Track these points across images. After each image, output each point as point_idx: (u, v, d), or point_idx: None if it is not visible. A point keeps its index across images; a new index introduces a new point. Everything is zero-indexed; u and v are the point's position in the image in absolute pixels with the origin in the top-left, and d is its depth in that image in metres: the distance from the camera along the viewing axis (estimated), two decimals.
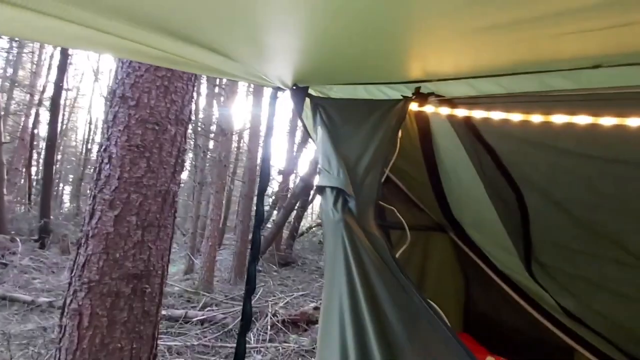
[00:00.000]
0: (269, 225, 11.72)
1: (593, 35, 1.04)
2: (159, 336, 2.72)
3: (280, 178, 12.75)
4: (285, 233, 11.18)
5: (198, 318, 5.44)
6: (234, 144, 14.27)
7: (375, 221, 1.02)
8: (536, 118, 1.32)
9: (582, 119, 1.24)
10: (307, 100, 1.59)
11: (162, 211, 2.46)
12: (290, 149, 12.04)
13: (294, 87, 1.60)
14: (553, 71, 1.25)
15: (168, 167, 2.49)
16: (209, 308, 6.04)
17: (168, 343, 4.55)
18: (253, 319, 5.68)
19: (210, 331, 5.21)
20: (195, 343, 4.69)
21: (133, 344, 2.41)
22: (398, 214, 1.53)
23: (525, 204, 1.61)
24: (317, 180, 1.19)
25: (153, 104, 2.41)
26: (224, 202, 10.72)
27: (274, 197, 12.30)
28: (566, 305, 1.68)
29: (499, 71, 1.30)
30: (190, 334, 5.03)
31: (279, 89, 1.68)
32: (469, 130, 1.55)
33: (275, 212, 11.85)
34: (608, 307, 1.58)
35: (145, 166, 2.36)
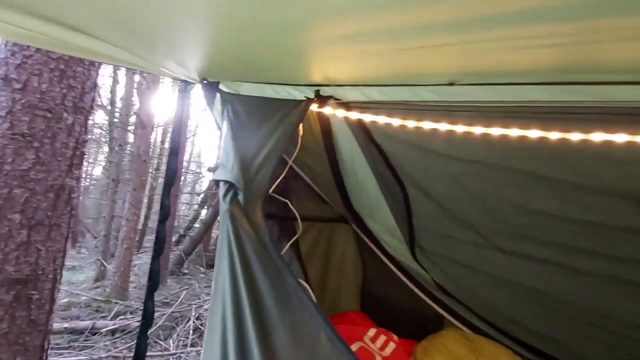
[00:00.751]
0: (196, 224, 11.22)
1: (445, 55, 1.30)
2: (51, 349, 2.49)
3: (210, 175, 12.30)
4: (215, 233, 10.84)
5: (108, 328, 5.01)
6: (159, 138, 13.35)
7: (262, 212, 1.14)
8: (411, 123, 1.57)
9: (443, 126, 1.52)
10: (219, 95, 1.64)
11: (54, 208, 2.26)
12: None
13: (205, 82, 1.64)
14: (421, 85, 1.51)
15: (63, 160, 2.29)
16: (122, 316, 5.61)
17: (69, 359, 4.11)
18: (174, 324, 5.44)
19: (122, 341, 4.85)
20: (104, 355, 4.33)
21: (16, 357, 2.18)
22: (292, 207, 1.67)
23: (408, 198, 1.88)
24: (215, 175, 1.26)
25: (45, 89, 2.20)
26: (144, 201, 9.98)
27: (203, 195, 11.82)
28: (440, 281, 2.01)
29: (382, 81, 1.52)
30: (98, 345, 4.62)
31: (187, 82, 1.71)
32: (362, 131, 1.77)
33: (204, 210, 11.39)
34: (470, 282, 1.93)
35: (33, 158, 2.15)
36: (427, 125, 1.57)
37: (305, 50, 1.30)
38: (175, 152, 1.75)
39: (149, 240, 12.01)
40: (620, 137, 1.29)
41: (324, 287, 2.17)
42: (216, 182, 1.24)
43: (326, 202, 2.22)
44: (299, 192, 2.08)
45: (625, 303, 1.65)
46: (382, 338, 1.63)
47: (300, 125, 1.69)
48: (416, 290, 2.09)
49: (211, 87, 1.66)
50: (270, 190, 1.33)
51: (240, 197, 1.12)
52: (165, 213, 1.67)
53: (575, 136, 1.33)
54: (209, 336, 1.11)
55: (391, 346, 1.60)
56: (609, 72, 1.26)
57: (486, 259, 1.85)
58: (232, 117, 1.50)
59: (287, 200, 1.68)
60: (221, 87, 1.70)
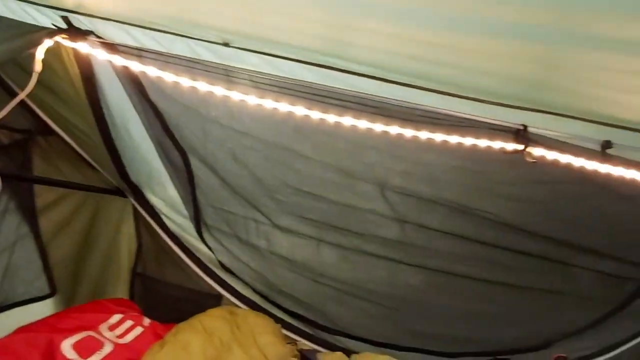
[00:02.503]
0: None
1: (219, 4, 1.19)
2: None
3: None
4: None
5: None
6: None
7: None
8: (186, 82, 1.41)
9: (220, 91, 1.43)
10: None
11: None
12: None
13: None
14: (196, 39, 1.39)
15: None
16: None
17: None
18: None
19: None
20: None
21: None
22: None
23: (191, 168, 1.73)
24: None
25: None
26: None
27: None
28: (222, 259, 1.96)
29: (151, 22, 1.31)
30: None
31: None
32: (134, 84, 1.50)
33: None
34: (251, 259, 1.95)
35: None
36: (203, 87, 1.44)
37: None
38: None
39: None
40: (364, 124, 1.49)
41: (81, 271, 1.77)
42: None
43: (95, 168, 1.84)
44: (50, 151, 1.62)
45: (373, 274, 1.98)
46: (127, 324, 1.43)
47: (38, 58, 1.29)
48: (197, 269, 1.97)
49: None
50: None
51: None
52: None
53: (331, 118, 1.46)
54: None
55: (136, 331, 1.43)
56: (357, 63, 1.43)
57: (266, 236, 1.89)
58: None
59: None
60: None
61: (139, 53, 1.42)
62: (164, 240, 1.96)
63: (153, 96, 1.52)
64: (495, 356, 2.05)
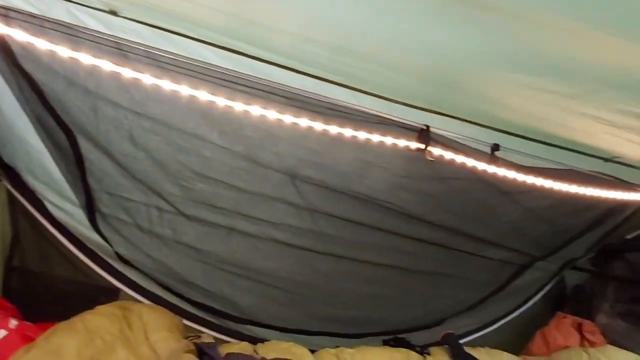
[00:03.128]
0: None
1: None
2: None
3: None
4: None
5: None
6: None
7: None
8: (63, 51, 1.23)
9: (108, 65, 1.27)
10: None
11: None
12: None
13: None
14: (77, 4, 1.21)
15: None
16: None
17: None
18: None
19: None
20: None
21: None
22: None
23: (80, 151, 1.54)
24: None
25: None
26: None
27: None
28: (119, 250, 1.80)
29: None
30: None
31: None
32: (5, 54, 1.26)
33: None
34: (154, 249, 1.82)
35: None
36: (86, 59, 1.27)
37: None
38: None
39: None
40: (273, 114, 1.46)
41: None
42: None
43: None
44: None
45: (284, 262, 2.00)
46: None
47: None
48: (88, 262, 1.79)
49: None
50: None
51: None
52: None
53: (238, 106, 1.40)
54: None
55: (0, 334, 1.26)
56: (267, 50, 1.38)
57: (171, 224, 1.78)
58: None
59: None
60: None
61: (4, 12, 1.19)
62: (48, 230, 1.72)
63: (27, 65, 1.30)
64: (395, 335, 2.23)
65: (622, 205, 2.45)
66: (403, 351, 1.93)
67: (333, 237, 1.93)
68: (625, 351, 2.10)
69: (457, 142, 1.76)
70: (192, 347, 1.43)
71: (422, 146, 1.67)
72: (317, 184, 1.73)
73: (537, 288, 2.83)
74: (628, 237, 2.73)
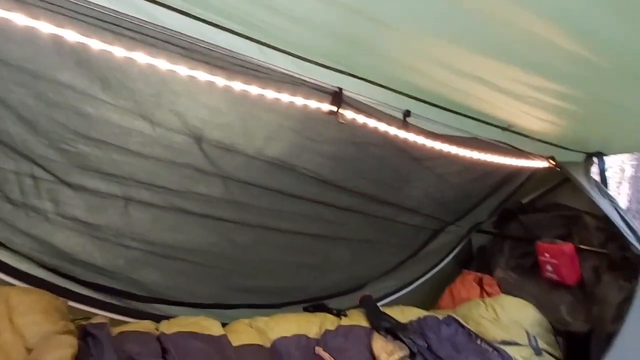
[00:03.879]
0: None
1: None
2: None
3: None
4: None
5: None
6: None
7: None
8: None
9: None
10: None
11: None
12: None
13: None
14: None
15: None
16: None
17: None
18: None
19: None
20: None
21: None
22: None
23: None
24: None
25: None
26: None
27: None
28: None
29: None
30: None
31: None
32: None
33: None
34: (31, 225, 1.56)
35: None
36: None
37: None
38: None
39: None
40: (163, 64, 1.30)
41: None
42: None
43: None
44: None
45: (194, 234, 1.86)
46: None
47: None
48: None
49: None
50: None
51: None
52: None
53: (118, 51, 1.20)
54: None
55: None
56: None
57: (51, 196, 1.53)
58: None
59: None
60: None
61: None
62: None
63: None
64: (317, 301, 2.26)
65: (518, 171, 2.74)
66: (320, 315, 1.96)
67: (248, 205, 1.84)
68: (515, 298, 2.39)
69: (370, 106, 1.76)
70: (72, 328, 1.26)
71: (335, 109, 1.63)
72: (226, 148, 1.61)
73: (448, 250, 3.09)
74: (523, 201, 3.08)
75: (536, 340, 2.05)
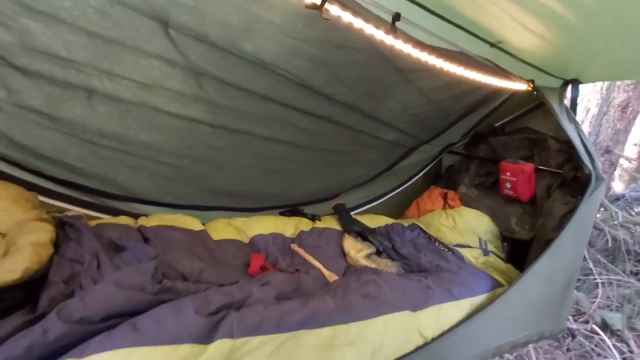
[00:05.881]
0: None
1: None
2: None
3: None
4: None
5: None
6: None
7: None
8: None
9: None
10: None
11: None
12: None
13: None
14: None
15: None
16: None
17: None
18: None
19: None
20: None
21: None
22: None
23: None
24: None
25: None
26: None
27: None
28: None
29: None
30: None
31: None
32: None
33: None
34: None
35: None
36: None
37: None
38: None
39: None
40: None
41: None
42: None
43: None
44: None
45: (169, 134, 1.80)
46: None
47: None
48: None
49: None
50: None
51: None
52: None
53: None
54: None
55: None
56: None
57: (4, 82, 1.38)
58: None
59: None
60: None
61: None
62: None
63: None
64: (293, 207, 2.37)
65: (496, 93, 2.76)
66: (295, 219, 2.07)
67: (224, 107, 1.76)
68: (473, 209, 2.62)
69: (358, 3, 1.62)
70: (46, 217, 1.26)
71: (318, 2, 1.49)
72: (197, 38, 1.46)
73: (420, 168, 3.23)
74: (495, 125, 3.18)
75: (486, 244, 2.31)
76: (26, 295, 1.03)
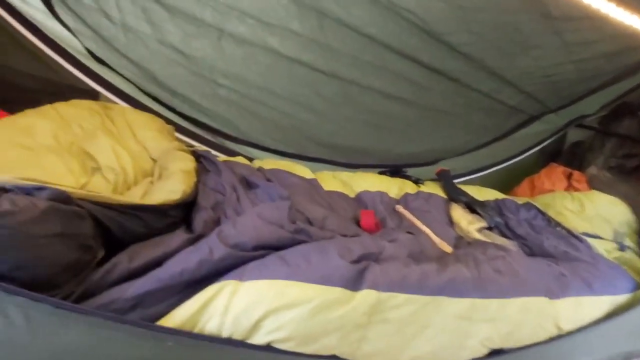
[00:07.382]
0: None
1: None
2: None
3: None
4: None
5: None
6: None
7: None
8: None
9: None
10: None
11: None
12: None
13: None
14: None
15: None
16: None
17: None
18: None
19: None
20: None
21: None
22: None
23: None
24: None
25: None
26: None
27: None
28: (90, 46, 1.53)
29: None
30: None
31: None
32: None
33: None
34: (128, 48, 1.54)
35: None
36: None
37: None
38: None
39: None
40: None
41: None
42: None
43: None
44: None
45: (282, 80, 1.78)
46: None
47: None
48: (60, 60, 1.53)
49: None
50: None
51: None
52: None
53: None
54: None
55: None
56: None
57: (149, 17, 1.46)
58: None
59: None
60: None
61: None
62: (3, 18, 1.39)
63: None
64: (393, 167, 2.23)
65: None
66: (399, 180, 1.95)
67: (340, 53, 1.66)
68: (608, 195, 2.19)
69: None
70: (186, 148, 1.35)
71: None
72: None
73: (538, 141, 2.80)
74: None
75: (622, 238, 1.93)
76: (182, 216, 1.12)
